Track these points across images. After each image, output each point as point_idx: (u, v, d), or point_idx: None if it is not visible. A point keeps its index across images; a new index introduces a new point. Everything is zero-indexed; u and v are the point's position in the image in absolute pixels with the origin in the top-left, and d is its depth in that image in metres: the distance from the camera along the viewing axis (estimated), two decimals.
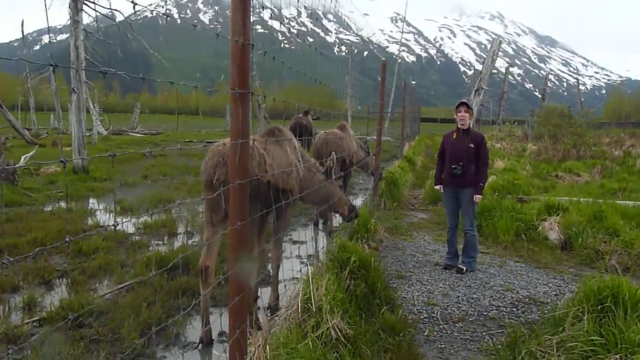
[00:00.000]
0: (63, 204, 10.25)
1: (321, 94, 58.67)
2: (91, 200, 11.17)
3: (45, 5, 15.22)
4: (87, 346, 4.32)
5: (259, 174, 4.33)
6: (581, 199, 9.61)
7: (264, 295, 5.71)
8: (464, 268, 6.57)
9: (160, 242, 7.80)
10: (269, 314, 5.16)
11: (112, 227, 2.08)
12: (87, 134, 22.48)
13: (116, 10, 14.83)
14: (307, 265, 6.69)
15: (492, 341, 4.53)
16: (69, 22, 13.95)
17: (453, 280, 6.30)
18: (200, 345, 4.50)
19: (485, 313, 5.24)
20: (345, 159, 8.81)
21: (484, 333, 4.74)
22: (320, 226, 9.37)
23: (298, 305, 3.69)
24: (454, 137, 6.67)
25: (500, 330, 4.78)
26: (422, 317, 5.11)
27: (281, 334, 3.35)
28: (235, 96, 2.41)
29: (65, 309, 4.88)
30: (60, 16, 16.24)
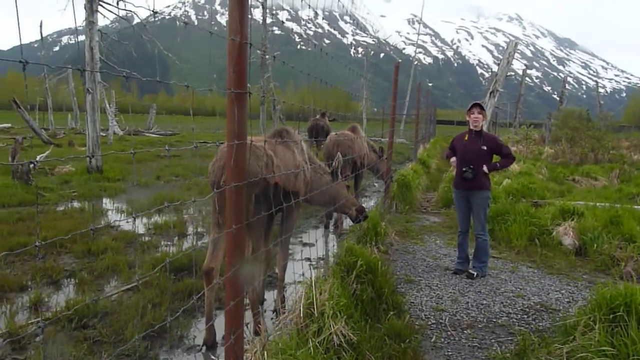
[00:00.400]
0: (76, 204, 10.32)
1: (336, 95, 58.58)
2: (104, 200, 11.22)
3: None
4: (89, 348, 4.29)
5: (267, 175, 4.28)
6: (598, 204, 9.43)
7: (271, 298, 5.66)
8: (475, 273, 6.45)
9: (170, 243, 7.77)
10: (274, 317, 5.11)
11: (91, 230, 2.04)
12: (103, 134, 22.71)
13: (130, 11, 14.88)
14: (315, 268, 6.64)
15: (501, 349, 4.42)
16: (84, 23, 14.04)
17: (463, 285, 6.19)
18: (204, 348, 4.45)
19: (494, 320, 5.12)
20: (355, 160, 8.78)
21: (493, 340, 4.63)
22: (331, 228, 9.30)
23: (300, 309, 3.62)
24: (466, 138, 6.56)
25: (509, 338, 4.67)
26: (429, 323, 5.00)
27: (280, 340, 3.28)
28: (231, 96, 2.35)
29: (70, 309, 4.87)
30: (80, 17, 16.36)
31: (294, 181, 4.92)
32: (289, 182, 4.76)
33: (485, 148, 6.39)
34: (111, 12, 14.92)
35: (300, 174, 5.08)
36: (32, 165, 11.81)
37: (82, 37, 14.51)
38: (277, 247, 5.32)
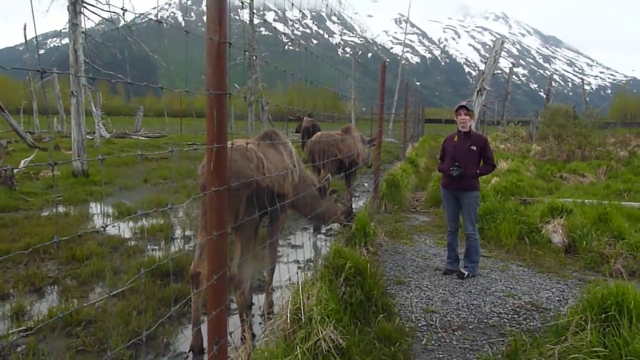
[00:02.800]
0: (61, 209, 10.16)
1: (325, 96, 58.58)
2: (90, 205, 11.05)
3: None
4: (72, 357, 4.18)
5: (257, 177, 4.23)
6: (586, 201, 9.42)
7: (260, 302, 5.57)
8: (466, 273, 6.40)
9: (156, 247, 7.66)
10: (263, 322, 5.02)
11: (55, 243, 1.94)
12: (90, 138, 22.47)
13: (114, 12, 14.71)
14: (304, 270, 6.56)
15: (492, 350, 4.36)
16: (67, 25, 13.85)
17: (453, 285, 6.13)
18: (191, 354, 4.36)
19: (485, 320, 5.07)
20: (343, 160, 9.05)
21: (484, 342, 4.57)
22: (324, 229, 9.22)
23: (287, 315, 3.54)
24: (455, 139, 6.52)
25: (500, 339, 4.61)
26: (420, 325, 4.94)
27: (266, 348, 3.19)
28: (210, 97, 2.26)
29: (53, 318, 4.76)
30: (64, 20, 16.17)
31: (282, 183, 4.87)
32: (277, 184, 4.70)
33: (474, 148, 6.34)
34: (95, 14, 14.74)
35: (289, 176, 5.04)
36: (15, 170, 11.61)
37: (66, 40, 14.31)
38: (265, 251, 5.25)
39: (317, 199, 5.85)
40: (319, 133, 9.52)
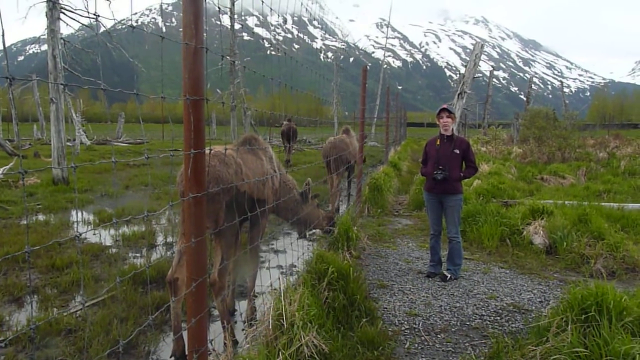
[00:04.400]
0: (40, 217, 10.01)
1: (307, 100, 58.55)
2: (71, 212, 10.91)
3: None
4: None
5: (236, 183, 4.21)
6: (566, 202, 9.52)
7: (242, 308, 5.54)
8: (449, 275, 6.43)
9: (138, 255, 7.58)
10: (246, 328, 4.98)
11: (26, 253, 1.91)
12: (71, 144, 22.20)
13: (93, 18, 14.56)
14: (286, 275, 6.53)
15: (475, 353, 4.38)
16: (45, 32, 13.70)
17: (436, 288, 6.15)
18: None
19: (468, 323, 5.09)
20: (349, 158, 10.82)
21: (467, 344, 4.58)
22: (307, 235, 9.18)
23: (269, 321, 3.52)
24: (438, 143, 6.54)
25: (483, 341, 4.63)
26: (403, 328, 4.94)
27: (248, 355, 3.17)
28: (186, 103, 2.24)
29: (31, 327, 4.67)
30: (42, 26, 15.98)
31: (262, 189, 4.86)
32: (256, 189, 4.68)
33: (457, 151, 6.37)
34: (74, 19, 14.60)
35: (268, 182, 5.02)
36: None
37: (45, 47, 14.15)
38: (246, 256, 5.22)
39: (299, 203, 5.85)
40: (331, 139, 10.97)
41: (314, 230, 8.57)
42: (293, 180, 5.90)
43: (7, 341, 4.45)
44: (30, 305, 5.59)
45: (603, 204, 9.65)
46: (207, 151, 2.49)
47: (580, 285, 4.20)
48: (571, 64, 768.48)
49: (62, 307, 5.48)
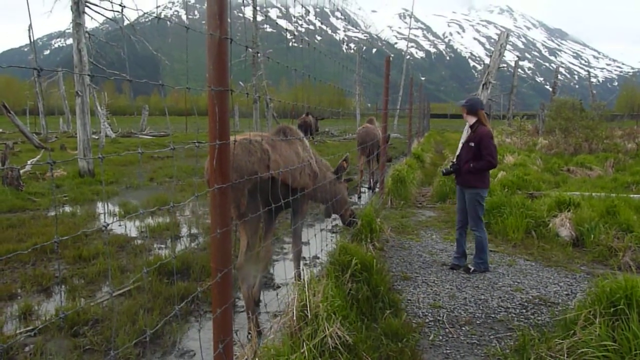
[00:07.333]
0: (67, 208, 10.18)
1: (330, 92, 58.41)
2: (97, 204, 11.07)
3: None
4: (80, 357, 4.19)
5: (259, 171, 4.23)
6: (593, 194, 9.36)
7: (267, 298, 5.56)
8: (472, 267, 6.38)
9: (163, 246, 7.66)
10: (271, 320, 5.01)
11: (55, 243, 1.93)
12: (96, 137, 22.54)
13: (117, 12, 14.69)
14: (309, 267, 6.55)
15: (500, 345, 4.33)
16: (71, 25, 13.87)
17: (460, 280, 6.10)
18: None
19: (493, 315, 5.04)
20: (379, 144, 11.80)
21: (492, 337, 4.54)
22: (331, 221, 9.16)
23: (293, 312, 3.53)
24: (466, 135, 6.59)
25: (508, 334, 4.58)
26: (427, 320, 4.91)
27: (273, 345, 3.18)
28: (211, 94, 2.24)
29: (60, 317, 4.76)
30: (69, 20, 16.22)
31: (299, 177, 4.92)
32: (291, 177, 4.71)
33: (472, 144, 6.29)
34: (99, 13, 14.75)
35: (305, 169, 5.08)
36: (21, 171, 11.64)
37: (70, 41, 14.34)
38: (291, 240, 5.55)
39: (333, 184, 6.01)
40: (364, 126, 12.70)
41: (336, 223, 8.61)
42: (327, 163, 6.01)
43: (37, 330, 4.54)
44: (60, 294, 5.70)
45: (632, 195, 9.46)
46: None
47: (608, 278, 4.13)
48: (599, 53, 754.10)
49: (89, 297, 5.57)
